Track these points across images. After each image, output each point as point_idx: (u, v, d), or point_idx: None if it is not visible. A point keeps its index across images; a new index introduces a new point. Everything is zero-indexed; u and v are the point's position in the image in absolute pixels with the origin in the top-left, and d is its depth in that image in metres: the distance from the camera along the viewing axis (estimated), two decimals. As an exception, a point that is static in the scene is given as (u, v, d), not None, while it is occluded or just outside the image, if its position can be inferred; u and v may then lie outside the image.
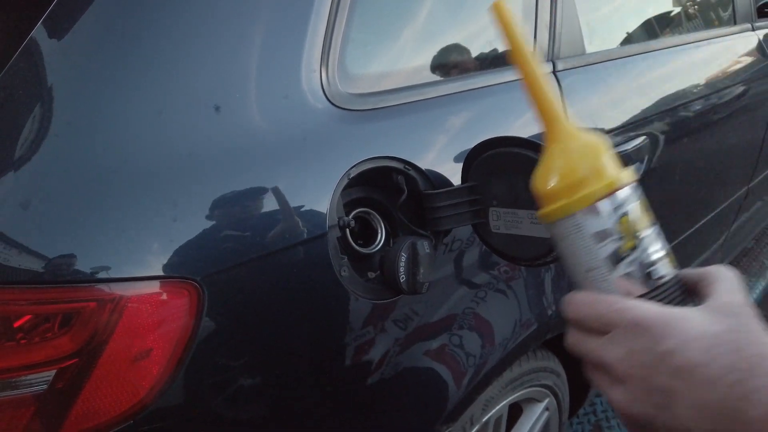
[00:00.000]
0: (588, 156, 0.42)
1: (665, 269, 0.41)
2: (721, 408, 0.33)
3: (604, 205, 0.40)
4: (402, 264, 0.73)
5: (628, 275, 0.41)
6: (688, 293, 0.42)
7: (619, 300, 0.39)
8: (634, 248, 0.40)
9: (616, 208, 0.41)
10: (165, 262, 0.60)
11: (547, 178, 0.43)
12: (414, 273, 0.74)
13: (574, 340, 0.42)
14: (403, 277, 0.73)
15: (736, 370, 0.34)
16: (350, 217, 0.75)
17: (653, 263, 0.41)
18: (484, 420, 1.06)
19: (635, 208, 0.41)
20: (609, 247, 0.40)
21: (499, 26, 0.45)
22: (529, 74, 0.46)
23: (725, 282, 0.40)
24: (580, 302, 0.41)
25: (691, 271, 0.42)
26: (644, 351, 0.37)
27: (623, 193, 0.41)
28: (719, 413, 0.33)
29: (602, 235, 0.40)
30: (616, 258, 0.40)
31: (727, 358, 0.34)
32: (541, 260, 0.78)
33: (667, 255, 0.42)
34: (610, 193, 0.40)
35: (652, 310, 0.38)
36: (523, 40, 0.45)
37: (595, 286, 0.41)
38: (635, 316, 0.38)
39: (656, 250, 0.41)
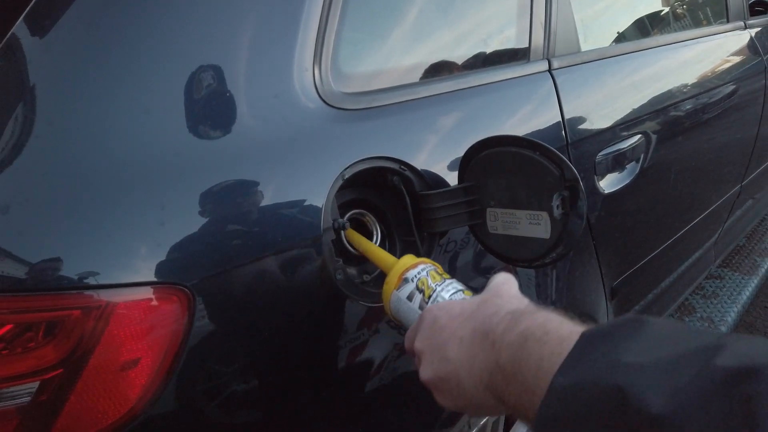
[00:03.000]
0: (399, 264, 0.66)
1: (460, 296, 0.61)
2: (473, 334, 0.48)
3: (408, 275, 0.64)
4: None
5: None
6: None
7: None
8: (431, 295, 0.61)
9: (413, 277, 0.64)
10: (153, 267, 0.57)
11: (384, 287, 0.67)
12: None
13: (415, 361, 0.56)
14: None
15: (479, 312, 0.50)
16: (345, 218, 0.73)
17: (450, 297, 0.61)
18: (481, 423, 1.05)
19: (428, 274, 0.63)
20: (417, 300, 0.62)
21: (355, 241, 0.74)
22: (374, 255, 0.72)
23: (493, 280, 0.56)
24: (406, 334, 0.59)
25: None
26: (426, 328, 0.54)
27: (418, 268, 0.64)
28: (474, 337, 0.48)
29: (411, 295, 0.62)
30: (424, 305, 0.61)
31: (471, 310, 0.51)
32: (540, 261, 0.76)
33: (462, 290, 0.62)
34: (409, 268, 0.64)
35: (435, 304, 0.57)
36: (366, 242, 0.74)
37: None
38: (424, 311, 0.57)
39: (451, 290, 0.61)
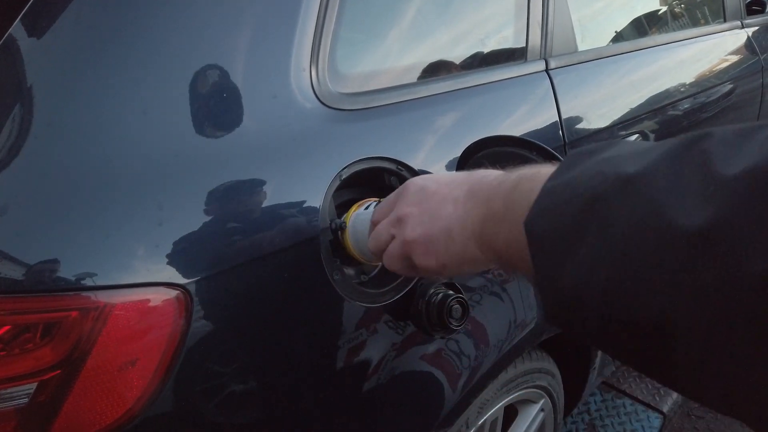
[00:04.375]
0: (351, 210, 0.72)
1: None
2: (469, 193, 0.49)
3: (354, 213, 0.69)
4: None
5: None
6: None
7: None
8: (368, 206, 0.68)
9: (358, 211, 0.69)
10: (151, 267, 0.57)
11: (343, 239, 0.71)
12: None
13: (377, 237, 0.58)
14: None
15: (471, 177, 0.51)
16: (342, 219, 0.73)
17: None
18: (479, 423, 1.05)
19: (373, 204, 0.68)
20: (361, 217, 0.67)
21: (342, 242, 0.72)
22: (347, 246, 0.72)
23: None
24: (377, 210, 0.61)
25: None
26: (412, 194, 0.54)
27: (365, 205, 0.69)
28: (470, 196, 0.49)
29: (358, 218, 0.68)
30: (368, 216, 0.66)
31: (463, 176, 0.52)
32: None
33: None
34: (357, 209, 0.70)
35: (416, 177, 0.57)
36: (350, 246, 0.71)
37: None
38: (406, 182, 0.57)
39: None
